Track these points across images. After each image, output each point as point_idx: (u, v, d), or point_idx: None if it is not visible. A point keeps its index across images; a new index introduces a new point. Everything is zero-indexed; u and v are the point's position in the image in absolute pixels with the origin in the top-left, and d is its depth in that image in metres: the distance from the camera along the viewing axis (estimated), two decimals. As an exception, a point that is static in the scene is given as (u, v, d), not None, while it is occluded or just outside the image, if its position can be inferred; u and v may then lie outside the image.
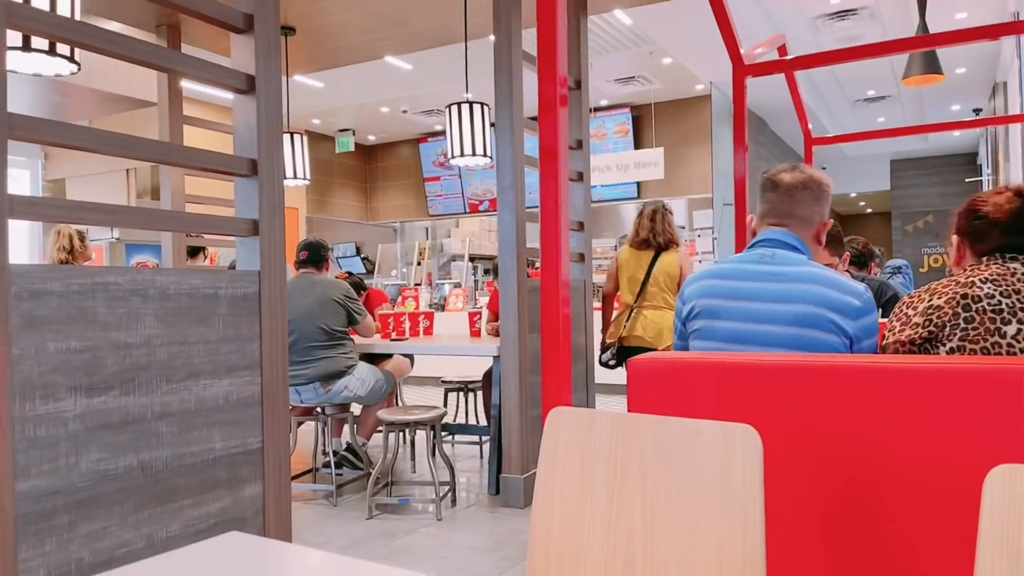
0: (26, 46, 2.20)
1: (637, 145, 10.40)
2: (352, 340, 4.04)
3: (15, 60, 2.23)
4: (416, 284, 10.84)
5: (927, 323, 1.54)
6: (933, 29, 5.75)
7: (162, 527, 1.77)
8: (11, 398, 1.49)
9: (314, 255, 4.05)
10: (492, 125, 4.66)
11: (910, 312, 1.60)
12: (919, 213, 13.66)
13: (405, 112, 10.84)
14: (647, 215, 4.08)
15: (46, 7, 2.21)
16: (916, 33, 5.74)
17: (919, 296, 1.61)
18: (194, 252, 5.18)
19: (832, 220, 1.86)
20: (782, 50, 4.54)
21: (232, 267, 4.68)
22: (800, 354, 1.54)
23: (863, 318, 1.60)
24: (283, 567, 0.83)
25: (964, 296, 1.52)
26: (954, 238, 1.70)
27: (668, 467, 1.06)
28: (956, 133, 11.95)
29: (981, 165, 12.41)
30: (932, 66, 5.89)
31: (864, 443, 1.31)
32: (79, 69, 2.30)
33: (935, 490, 1.25)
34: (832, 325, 1.57)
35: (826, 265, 2.74)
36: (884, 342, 1.63)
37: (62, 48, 2.22)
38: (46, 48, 2.19)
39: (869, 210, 18.50)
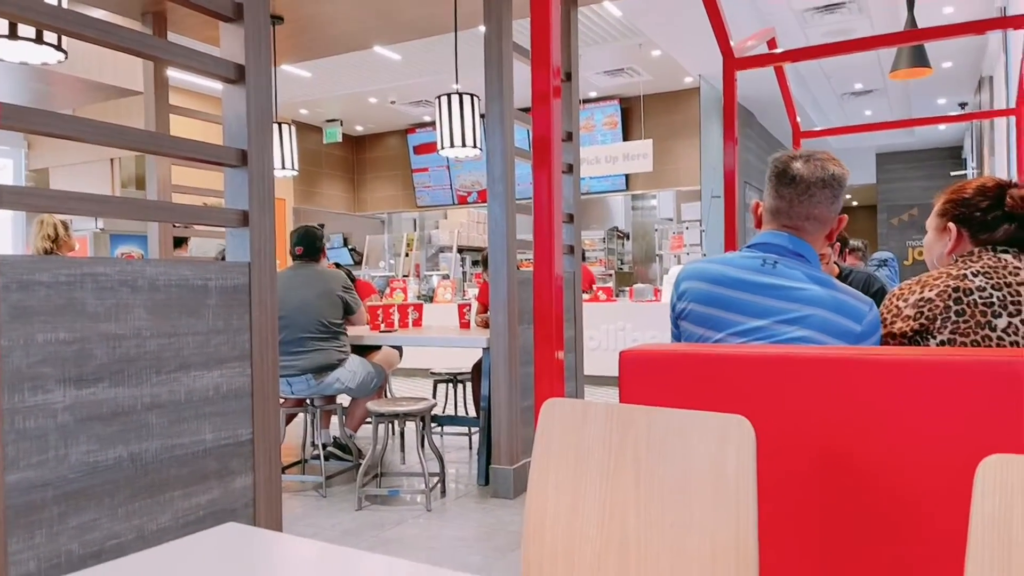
0: (12, 34, 2.17)
1: (626, 137, 10.42)
2: (346, 334, 4.06)
3: (1, 48, 2.20)
4: (404, 276, 10.81)
5: (918, 315, 1.54)
6: (921, 23, 5.79)
7: (152, 519, 1.76)
8: (1, 390, 1.48)
9: (309, 248, 4.07)
10: (482, 116, 4.65)
11: (901, 304, 1.59)
12: (904, 206, 13.76)
13: (393, 103, 10.80)
14: None
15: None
16: (904, 27, 5.77)
17: (909, 288, 1.61)
18: (178, 243, 5.14)
19: (846, 216, 1.71)
20: (771, 43, 4.55)
21: (222, 257, 4.65)
22: (793, 346, 1.55)
23: (864, 342, 1.54)
24: (283, 557, 0.83)
25: (956, 289, 1.52)
26: (951, 226, 1.65)
27: (662, 458, 1.07)
28: (942, 127, 12.04)
29: (966, 159, 12.52)
30: (919, 60, 5.92)
31: (856, 434, 1.32)
32: (66, 57, 2.27)
33: (927, 481, 1.26)
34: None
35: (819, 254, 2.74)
36: None
37: (49, 36, 2.19)
38: (33, 36, 2.16)
39: (855, 203, 18.63)
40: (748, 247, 1.69)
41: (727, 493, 1.00)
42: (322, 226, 4.27)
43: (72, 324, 1.60)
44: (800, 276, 1.58)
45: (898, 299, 1.61)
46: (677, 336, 1.75)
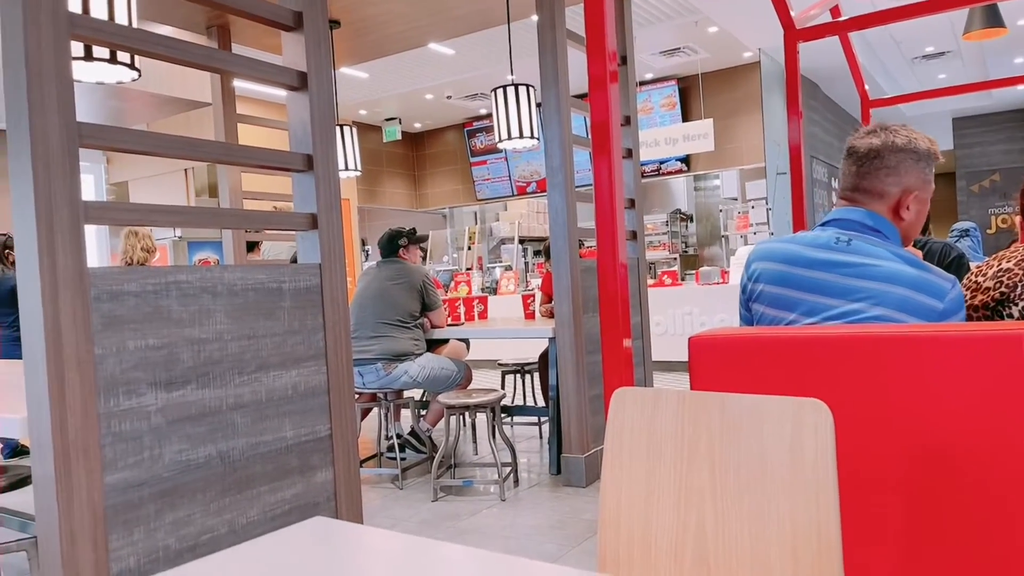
0: (88, 55, 2.28)
1: (685, 117, 10.23)
2: (422, 328, 4.15)
3: (78, 69, 2.32)
4: (467, 269, 10.92)
5: (998, 285, 1.57)
6: (995, -21, 5.49)
7: (242, 513, 1.84)
8: (96, 395, 1.57)
9: (386, 250, 4.23)
10: (538, 106, 4.64)
11: (980, 280, 1.64)
12: (984, 172, 13.11)
13: (450, 98, 10.88)
14: None
15: (104, 16, 2.28)
16: (976, -16, 5.49)
17: (988, 264, 1.64)
18: (250, 247, 5.31)
19: (917, 191, 1.59)
20: (835, 11, 4.39)
21: (295, 259, 4.80)
22: (867, 325, 1.50)
23: (947, 320, 1.46)
24: (371, 549, 0.86)
25: None
26: (1017, 219, 1.78)
27: (737, 444, 1.06)
28: (1021, 87, 11.40)
29: (1050, 119, 11.83)
30: (993, 20, 5.63)
31: (936, 414, 1.28)
32: (140, 75, 2.38)
33: (1013, 460, 1.21)
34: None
35: None
36: None
37: (123, 56, 2.30)
38: (107, 56, 2.26)
39: (931, 171, 17.82)
40: (821, 225, 1.65)
41: (806, 479, 0.99)
42: (413, 230, 4.36)
43: (160, 330, 1.69)
44: (876, 252, 1.52)
45: (977, 275, 1.65)
46: (748, 319, 1.72)
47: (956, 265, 3.05)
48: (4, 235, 4.43)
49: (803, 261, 1.58)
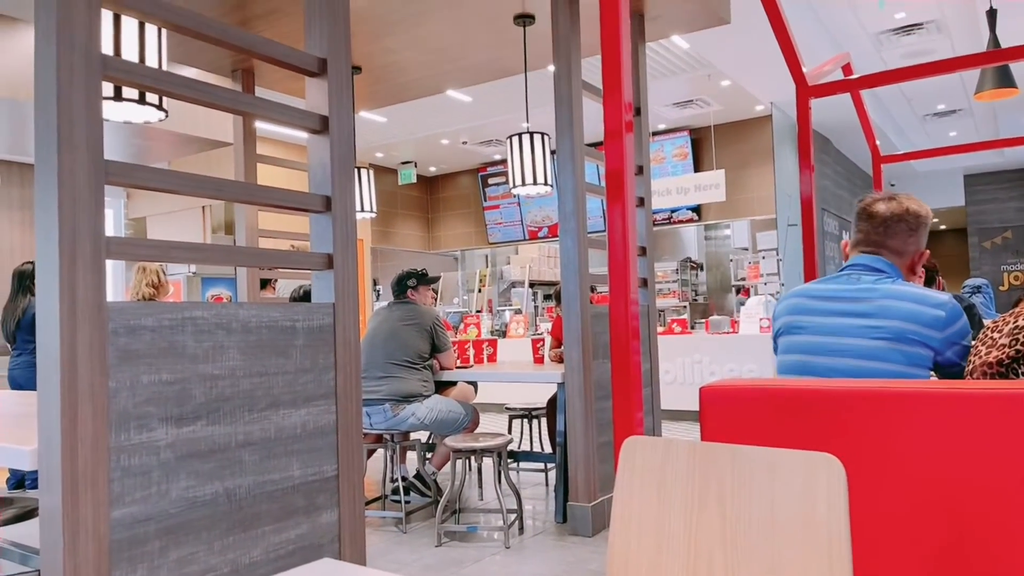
0: (117, 96, 2.34)
1: (697, 167, 10.33)
2: (431, 370, 4.14)
3: (108, 109, 2.38)
4: (477, 311, 10.92)
5: (1013, 343, 1.57)
6: (1004, 41, 5.58)
7: (245, 553, 1.82)
8: (108, 428, 1.57)
9: (395, 290, 4.30)
10: (552, 153, 4.70)
11: (995, 336, 1.62)
12: (997, 229, 13.10)
13: (465, 143, 11.04)
14: None
15: (135, 58, 2.35)
16: (987, 47, 5.57)
17: (1004, 320, 1.64)
18: (263, 284, 5.35)
19: (928, 251, 1.89)
20: (847, 69, 4.46)
21: (294, 298, 4.81)
22: (877, 380, 1.51)
23: (949, 328, 1.65)
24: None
25: None
26: None
27: (748, 498, 1.05)
28: (1034, 145, 11.45)
29: (1062, 177, 11.86)
30: (1005, 80, 5.70)
31: (948, 469, 1.27)
32: (167, 116, 2.44)
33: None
34: (916, 337, 1.62)
35: None
36: (970, 367, 1.62)
37: (151, 97, 2.36)
38: (136, 97, 2.33)
39: (943, 227, 17.85)
40: (839, 271, 1.87)
41: (818, 535, 0.98)
42: (424, 272, 4.41)
43: (173, 365, 1.70)
44: (881, 279, 1.75)
45: (992, 331, 1.65)
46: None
47: (969, 317, 3.04)
48: (30, 263, 4.47)
49: (820, 293, 1.81)
